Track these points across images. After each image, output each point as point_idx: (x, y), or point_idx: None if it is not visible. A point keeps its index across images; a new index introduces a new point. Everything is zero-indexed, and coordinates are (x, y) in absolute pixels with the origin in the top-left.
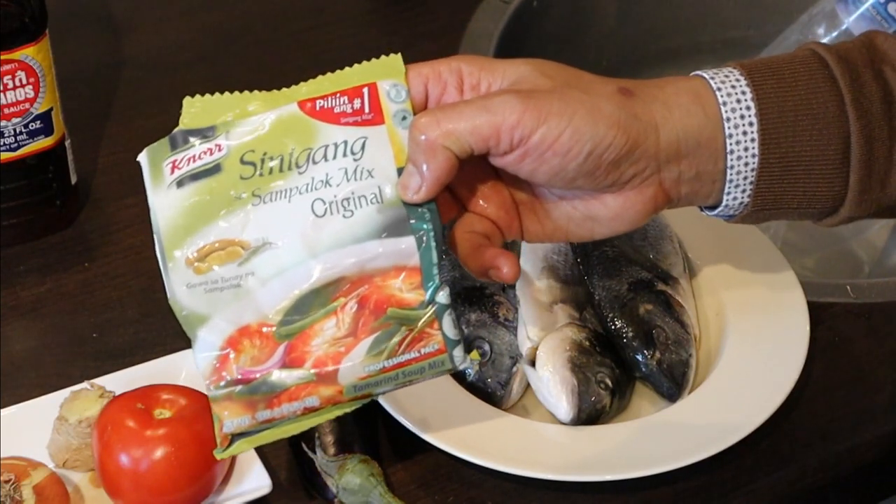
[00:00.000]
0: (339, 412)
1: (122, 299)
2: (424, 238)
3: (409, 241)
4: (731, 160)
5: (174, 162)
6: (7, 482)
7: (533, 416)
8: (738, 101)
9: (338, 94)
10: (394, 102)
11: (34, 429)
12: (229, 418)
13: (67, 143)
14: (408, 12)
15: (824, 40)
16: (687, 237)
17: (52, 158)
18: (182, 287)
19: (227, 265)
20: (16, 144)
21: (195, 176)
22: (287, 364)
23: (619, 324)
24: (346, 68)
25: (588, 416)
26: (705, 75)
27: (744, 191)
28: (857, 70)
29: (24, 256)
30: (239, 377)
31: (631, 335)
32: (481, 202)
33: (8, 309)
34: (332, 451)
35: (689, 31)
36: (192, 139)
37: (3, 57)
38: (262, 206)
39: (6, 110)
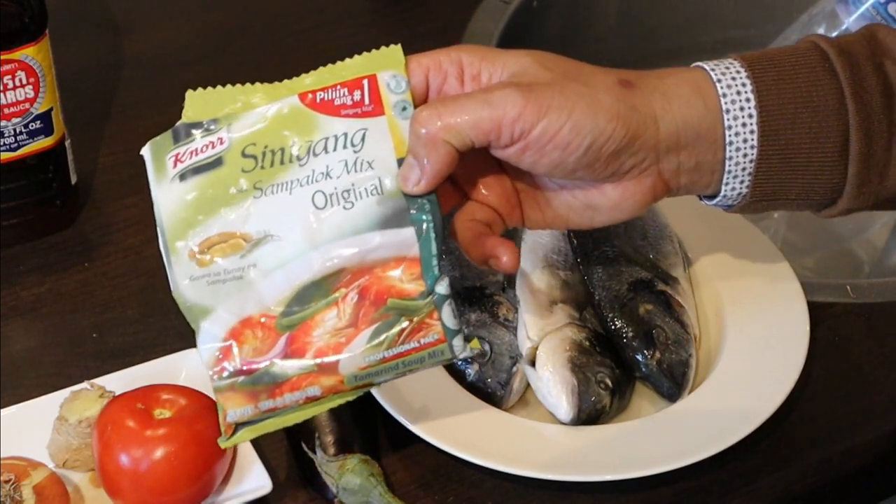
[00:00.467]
0: (340, 401)
1: (122, 299)
2: (424, 229)
3: (409, 232)
4: (731, 151)
5: (177, 155)
6: (7, 482)
7: (533, 416)
8: (738, 92)
9: (338, 86)
10: (394, 93)
11: (34, 429)
12: (232, 408)
13: (67, 143)
14: (408, 12)
15: None
16: (687, 237)
17: (52, 158)
18: (185, 279)
19: (229, 257)
20: (16, 144)
21: (197, 169)
22: (289, 354)
23: (619, 324)
24: (347, 59)
25: (588, 416)
26: (706, 66)
27: (742, 182)
28: (858, 63)
29: (24, 256)
30: (242, 367)
31: (631, 335)
32: (483, 190)
33: (8, 309)
34: (332, 451)
35: (689, 31)
36: (194, 132)
37: (3, 57)
38: (264, 199)
39: (6, 110)
